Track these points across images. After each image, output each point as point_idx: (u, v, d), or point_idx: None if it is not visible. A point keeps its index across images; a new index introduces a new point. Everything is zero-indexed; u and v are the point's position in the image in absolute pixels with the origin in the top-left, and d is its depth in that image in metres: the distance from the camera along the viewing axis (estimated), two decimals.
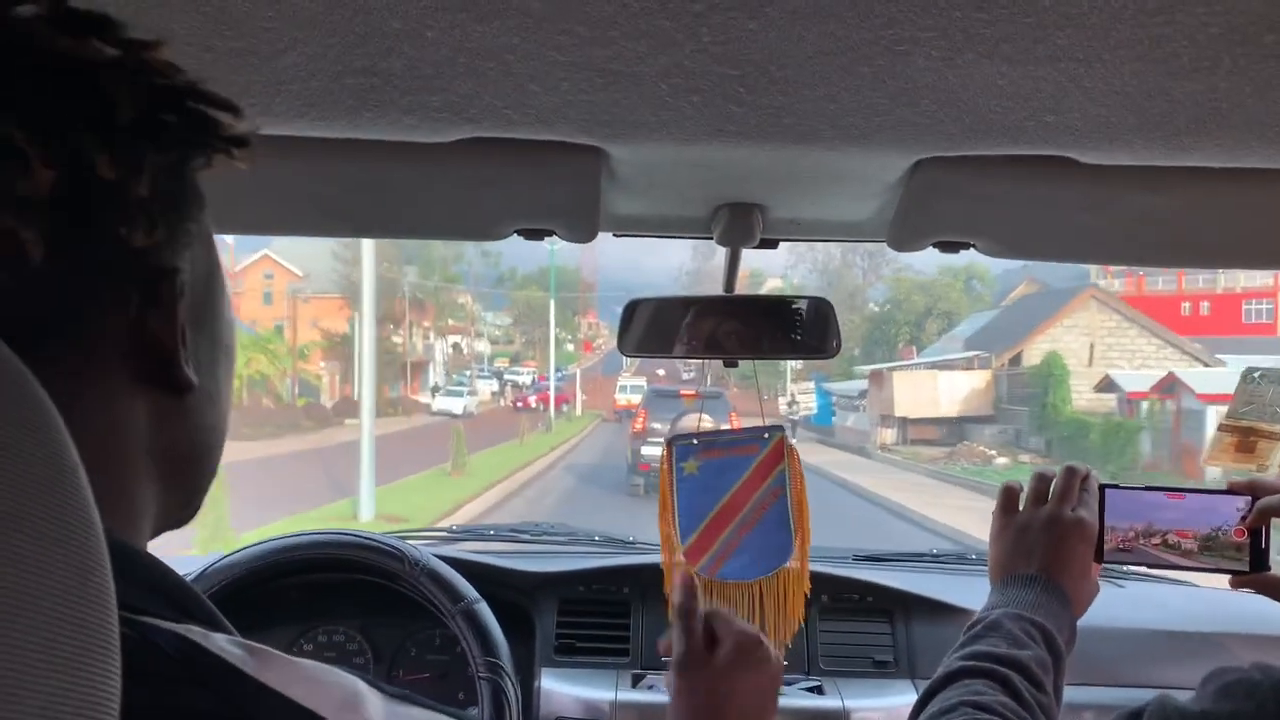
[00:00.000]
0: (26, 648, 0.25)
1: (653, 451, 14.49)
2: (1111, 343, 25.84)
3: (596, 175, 0.94)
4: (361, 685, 0.44)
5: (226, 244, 28.88)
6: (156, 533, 0.49)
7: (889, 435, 26.31)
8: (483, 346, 49.31)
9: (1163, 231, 1.06)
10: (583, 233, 1.13)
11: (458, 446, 18.23)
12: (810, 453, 21.83)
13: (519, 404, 39.43)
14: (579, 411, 38.16)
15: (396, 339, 40.10)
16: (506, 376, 46.18)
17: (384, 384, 36.32)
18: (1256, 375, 1.44)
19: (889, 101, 0.76)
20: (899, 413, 25.94)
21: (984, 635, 0.86)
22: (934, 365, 29.39)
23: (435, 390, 39.38)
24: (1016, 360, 26.13)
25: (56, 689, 0.26)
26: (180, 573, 0.43)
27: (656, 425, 15.01)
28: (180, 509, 0.51)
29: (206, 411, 0.50)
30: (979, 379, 26.79)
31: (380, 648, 1.60)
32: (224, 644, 0.40)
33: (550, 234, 1.13)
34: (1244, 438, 1.41)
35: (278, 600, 1.50)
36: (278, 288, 39.12)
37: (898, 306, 40.65)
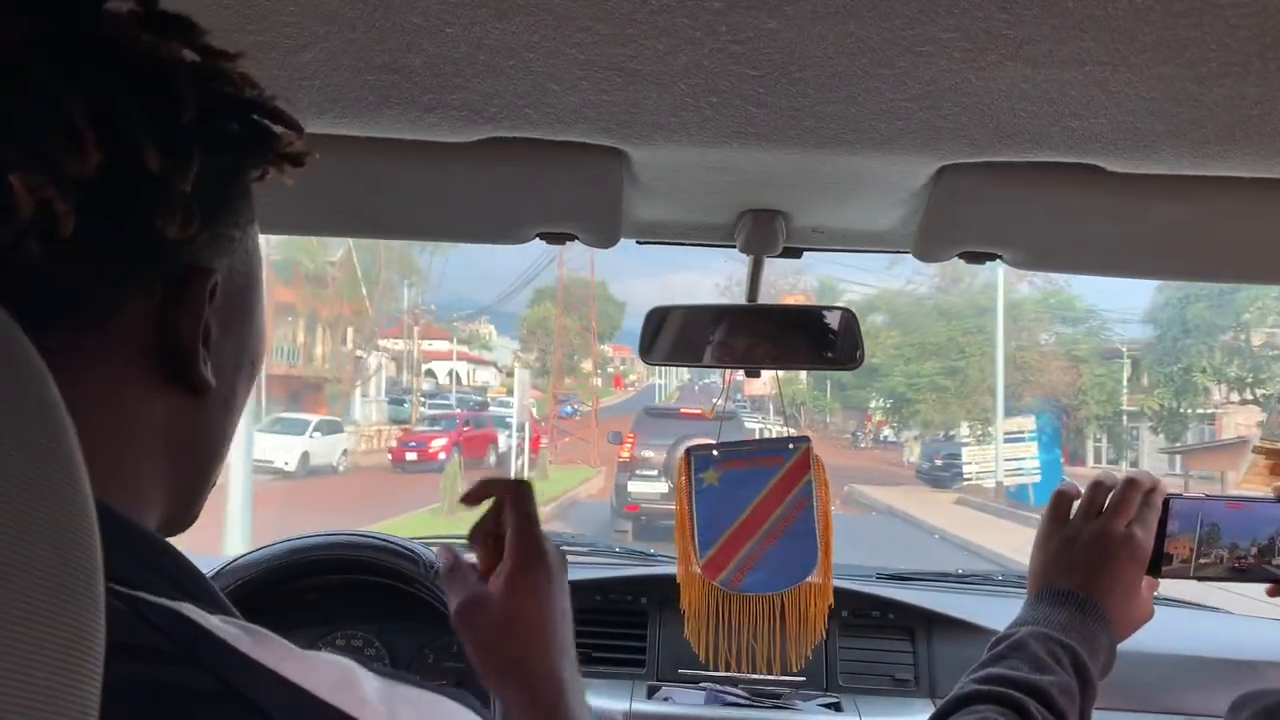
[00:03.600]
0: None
1: (643, 488, 11.93)
2: None
3: (618, 178, 0.94)
4: (356, 666, 0.44)
5: None
6: (160, 528, 0.50)
7: None
8: (487, 375, 37.92)
9: (1194, 244, 1.04)
10: (604, 237, 1.12)
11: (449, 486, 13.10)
12: None
13: (402, 456, 20.57)
14: (534, 470, 18.37)
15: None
16: (493, 409, 28.24)
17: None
18: None
19: (911, 104, 0.75)
20: None
21: (1006, 655, 0.81)
22: None
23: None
24: None
25: (29, 651, 0.25)
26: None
27: (649, 454, 12.13)
28: (183, 508, 0.52)
29: (218, 416, 0.52)
30: None
31: (397, 653, 1.60)
32: (219, 623, 0.40)
33: (572, 238, 1.13)
34: (1278, 460, 1.39)
35: (296, 604, 1.51)
36: None
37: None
